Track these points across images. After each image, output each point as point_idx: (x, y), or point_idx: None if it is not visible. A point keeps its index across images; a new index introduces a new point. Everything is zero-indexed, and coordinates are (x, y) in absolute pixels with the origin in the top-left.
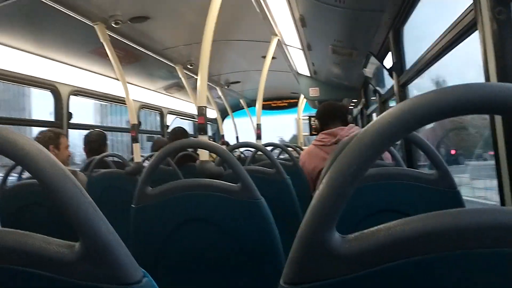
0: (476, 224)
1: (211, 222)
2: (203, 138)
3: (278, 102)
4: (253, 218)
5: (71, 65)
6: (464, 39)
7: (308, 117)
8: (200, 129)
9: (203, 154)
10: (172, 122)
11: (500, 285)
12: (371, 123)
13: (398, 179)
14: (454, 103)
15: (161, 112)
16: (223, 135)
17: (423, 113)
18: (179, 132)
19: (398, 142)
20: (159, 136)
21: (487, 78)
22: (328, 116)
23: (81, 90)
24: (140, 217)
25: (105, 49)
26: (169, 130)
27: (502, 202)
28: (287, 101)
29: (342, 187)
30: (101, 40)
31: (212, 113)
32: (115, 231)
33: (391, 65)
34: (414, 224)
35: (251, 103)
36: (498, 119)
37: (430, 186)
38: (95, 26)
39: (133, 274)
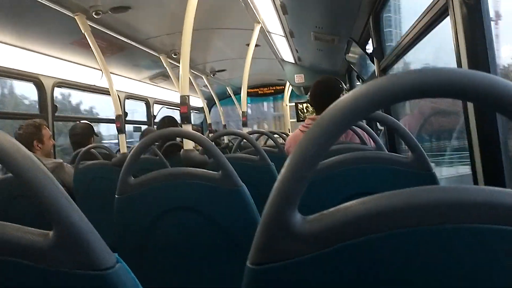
0: (428, 201)
1: (193, 210)
2: (187, 127)
3: (265, 89)
4: (234, 205)
5: (54, 57)
6: (438, 24)
7: (295, 104)
8: (183, 118)
9: (187, 144)
10: (159, 112)
11: (453, 260)
12: (329, 108)
13: (373, 163)
14: (405, 88)
15: (147, 102)
16: (210, 124)
17: (377, 98)
18: (168, 121)
19: (382, 129)
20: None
21: (459, 61)
22: (321, 98)
23: (65, 82)
24: (123, 207)
25: (87, 40)
26: (156, 120)
27: (475, 181)
28: (273, 88)
29: (303, 170)
30: (82, 31)
31: (198, 102)
32: (102, 220)
33: (372, 51)
34: (370, 203)
35: (238, 91)
36: (470, 105)
37: (406, 168)
38: (75, 17)
39: (106, 260)
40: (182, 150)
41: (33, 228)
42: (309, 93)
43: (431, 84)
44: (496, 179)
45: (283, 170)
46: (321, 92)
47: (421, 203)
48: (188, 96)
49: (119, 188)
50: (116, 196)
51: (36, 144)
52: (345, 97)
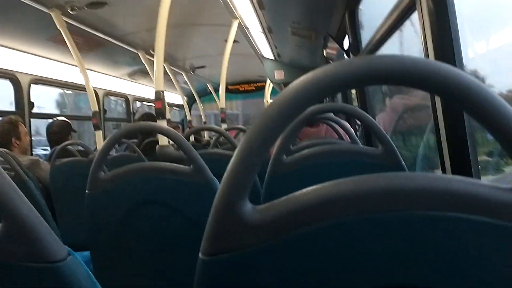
0: (378, 188)
1: (164, 204)
2: (161, 123)
3: (246, 86)
4: (204, 199)
5: (31, 54)
6: (407, 18)
7: None
8: (158, 113)
9: (162, 139)
10: (138, 108)
11: (407, 248)
12: (276, 96)
13: (343, 156)
14: (351, 75)
15: (126, 99)
16: (190, 121)
17: (324, 85)
18: (147, 117)
19: (359, 124)
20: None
21: (426, 53)
22: None
23: (42, 79)
24: (94, 202)
25: (63, 36)
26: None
27: (443, 171)
28: (254, 84)
29: (250, 159)
30: (58, 27)
31: (179, 99)
32: (79, 217)
33: (348, 46)
34: (321, 191)
35: (218, 88)
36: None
37: (375, 161)
38: (50, 13)
39: (57, 252)
40: (157, 146)
41: None
42: None
43: (374, 71)
44: (463, 170)
45: (232, 160)
46: None
47: (371, 190)
48: (163, 91)
49: (89, 184)
50: (86, 191)
51: (14, 141)
52: (292, 84)
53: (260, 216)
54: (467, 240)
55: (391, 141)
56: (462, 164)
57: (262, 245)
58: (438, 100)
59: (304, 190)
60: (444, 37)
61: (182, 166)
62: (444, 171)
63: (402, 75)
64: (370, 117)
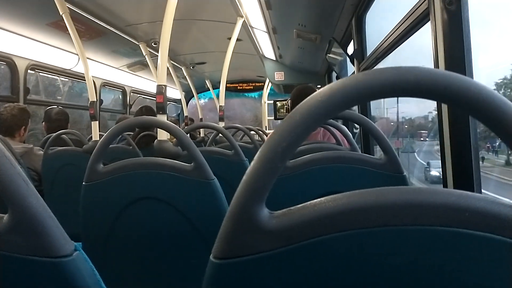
0: (395, 202)
1: (162, 200)
2: (162, 118)
3: (244, 85)
4: (205, 198)
5: (29, 38)
6: (418, 29)
7: (273, 102)
8: (159, 108)
9: (161, 134)
10: (135, 101)
11: (419, 260)
12: (303, 101)
13: (346, 163)
14: (383, 85)
15: (123, 91)
16: (187, 116)
17: (352, 93)
18: (146, 110)
19: (357, 131)
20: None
21: (436, 65)
22: (301, 100)
23: (40, 65)
24: (91, 194)
25: (64, 22)
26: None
27: (444, 184)
28: (252, 84)
29: (272, 163)
30: (60, 12)
31: (177, 93)
32: (70, 208)
33: (352, 52)
34: (339, 201)
35: (217, 85)
36: (444, 110)
37: (378, 170)
38: None
39: (64, 247)
40: (155, 140)
41: None
42: (291, 96)
43: (408, 83)
44: (465, 183)
45: (253, 163)
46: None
47: (390, 203)
48: (165, 86)
49: (87, 175)
50: (83, 183)
51: (23, 129)
52: (321, 90)
53: (277, 222)
54: (486, 257)
55: (395, 152)
56: (464, 176)
57: (277, 251)
58: (444, 111)
59: (323, 198)
60: (456, 49)
61: (182, 163)
62: (445, 182)
63: (443, 91)
64: (376, 126)
